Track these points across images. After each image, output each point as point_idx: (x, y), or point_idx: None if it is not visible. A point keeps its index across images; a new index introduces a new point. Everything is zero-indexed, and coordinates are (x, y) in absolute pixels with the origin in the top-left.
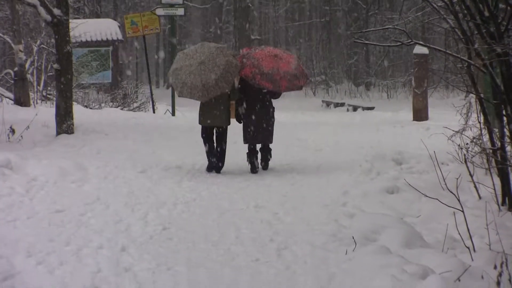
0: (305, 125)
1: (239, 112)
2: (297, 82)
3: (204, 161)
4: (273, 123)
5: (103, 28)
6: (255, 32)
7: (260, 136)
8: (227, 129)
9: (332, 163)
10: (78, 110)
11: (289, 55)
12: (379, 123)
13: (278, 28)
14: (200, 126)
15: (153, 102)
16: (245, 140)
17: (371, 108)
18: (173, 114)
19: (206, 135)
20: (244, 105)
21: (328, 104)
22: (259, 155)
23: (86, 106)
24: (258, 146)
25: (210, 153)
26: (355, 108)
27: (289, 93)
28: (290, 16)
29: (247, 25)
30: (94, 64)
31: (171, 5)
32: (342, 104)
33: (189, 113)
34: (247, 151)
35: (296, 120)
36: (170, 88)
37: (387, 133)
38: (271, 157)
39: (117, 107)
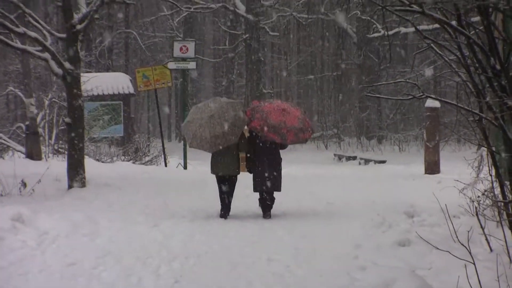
0: (317, 178)
1: (249, 163)
2: (302, 136)
3: (214, 212)
4: (281, 172)
5: (114, 81)
6: (267, 85)
7: (269, 184)
8: (236, 178)
9: (344, 216)
10: (90, 163)
11: (296, 109)
12: (391, 176)
13: (290, 81)
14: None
15: (165, 155)
16: (255, 189)
17: (383, 162)
18: (185, 167)
19: (219, 184)
20: (255, 155)
21: (340, 157)
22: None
23: (98, 160)
24: None
25: (223, 200)
26: (367, 162)
27: (301, 146)
28: (302, 70)
29: (259, 78)
30: (106, 118)
31: (183, 59)
32: (354, 158)
33: (201, 166)
34: (259, 198)
35: (308, 173)
36: (182, 142)
37: (399, 186)
38: (272, 204)
39: (129, 160)
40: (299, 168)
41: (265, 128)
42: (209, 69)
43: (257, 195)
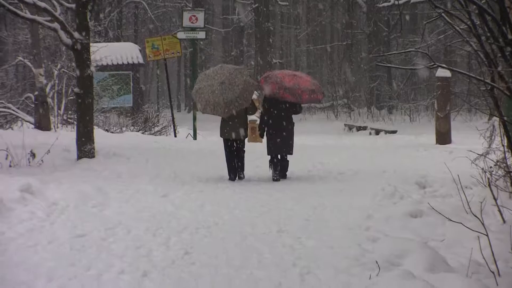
0: (328, 148)
1: (262, 127)
2: (315, 96)
3: (225, 182)
4: (293, 136)
5: (124, 51)
6: (277, 55)
7: (281, 147)
8: (245, 141)
9: (354, 186)
10: (99, 134)
11: (306, 75)
12: (402, 146)
13: (300, 51)
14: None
15: (174, 126)
16: (269, 151)
17: (394, 132)
18: (194, 137)
19: (227, 147)
20: (269, 121)
21: (350, 127)
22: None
23: (107, 130)
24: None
25: (230, 163)
26: (377, 132)
27: (311, 116)
28: (312, 40)
29: (268, 48)
30: (115, 88)
31: (192, 29)
32: (365, 128)
33: (210, 136)
34: (270, 160)
35: (319, 143)
36: (192, 112)
37: (410, 156)
38: (287, 168)
39: (138, 131)
40: (310, 138)
41: (281, 91)
42: (218, 39)
43: (266, 163)
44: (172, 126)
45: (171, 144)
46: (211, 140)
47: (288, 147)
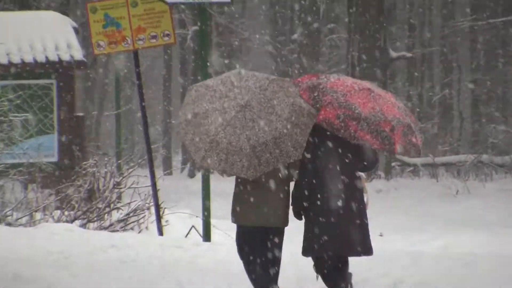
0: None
1: (298, 197)
2: (413, 139)
3: None
4: (365, 215)
5: (37, 33)
6: (401, 40)
7: (338, 239)
8: (283, 233)
9: None
10: None
11: (385, 91)
12: None
13: (461, 29)
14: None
15: (158, 209)
16: (307, 249)
17: None
18: (206, 237)
19: (247, 244)
20: (310, 180)
21: None
22: None
23: None
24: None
25: (254, 274)
26: None
27: (481, 184)
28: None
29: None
30: (17, 120)
31: None
32: None
33: None
34: (314, 265)
35: (470, 251)
36: (201, 174)
37: None
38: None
39: (72, 221)
40: (435, 239)
41: (353, 123)
42: (262, 8)
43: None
44: (153, 208)
45: (151, 254)
46: None
47: (355, 239)
